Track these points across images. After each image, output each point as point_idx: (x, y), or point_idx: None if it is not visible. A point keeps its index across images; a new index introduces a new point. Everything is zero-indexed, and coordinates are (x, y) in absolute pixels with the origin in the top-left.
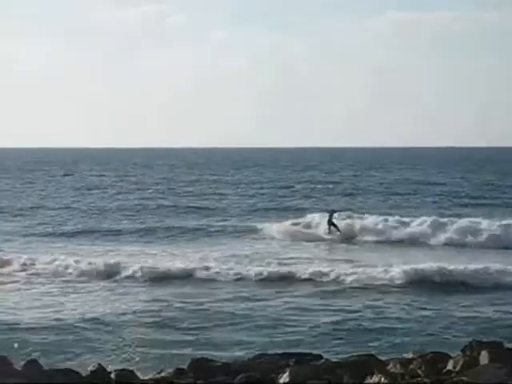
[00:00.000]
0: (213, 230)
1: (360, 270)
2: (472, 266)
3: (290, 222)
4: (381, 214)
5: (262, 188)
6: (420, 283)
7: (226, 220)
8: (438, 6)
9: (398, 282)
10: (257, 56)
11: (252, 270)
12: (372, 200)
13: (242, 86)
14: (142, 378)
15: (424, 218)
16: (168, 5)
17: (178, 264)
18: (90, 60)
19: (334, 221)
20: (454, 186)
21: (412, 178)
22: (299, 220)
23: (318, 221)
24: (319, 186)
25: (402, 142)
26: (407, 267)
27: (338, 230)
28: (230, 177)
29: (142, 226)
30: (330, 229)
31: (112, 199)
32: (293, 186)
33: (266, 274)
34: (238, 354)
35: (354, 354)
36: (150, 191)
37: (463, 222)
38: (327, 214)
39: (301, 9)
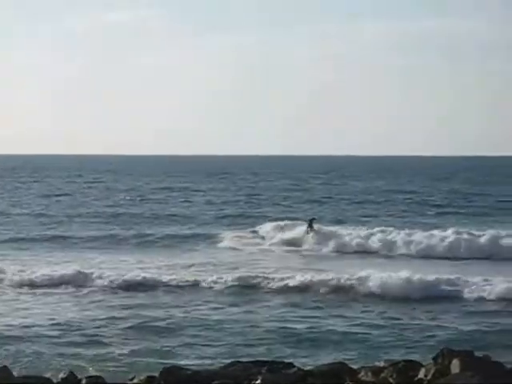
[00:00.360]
0: (180, 237)
1: (328, 278)
2: (440, 276)
3: (248, 230)
4: (347, 223)
5: (230, 195)
6: (388, 292)
7: (192, 228)
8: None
9: (367, 290)
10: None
11: (218, 279)
12: (340, 208)
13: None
14: None
15: (390, 228)
16: (153, 9)
17: (144, 272)
18: (76, 63)
19: (314, 226)
20: (423, 195)
21: (381, 186)
22: (256, 228)
23: (268, 229)
24: (288, 194)
25: (370, 151)
26: (376, 276)
27: (315, 234)
28: (200, 184)
29: (109, 234)
30: (308, 232)
31: (80, 206)
32: (261, 194)
33: (232, 282)
34: (210, 362)
35: (326, 362)
36: (119, 198)
37: (430, 232)
38: (306, 222)
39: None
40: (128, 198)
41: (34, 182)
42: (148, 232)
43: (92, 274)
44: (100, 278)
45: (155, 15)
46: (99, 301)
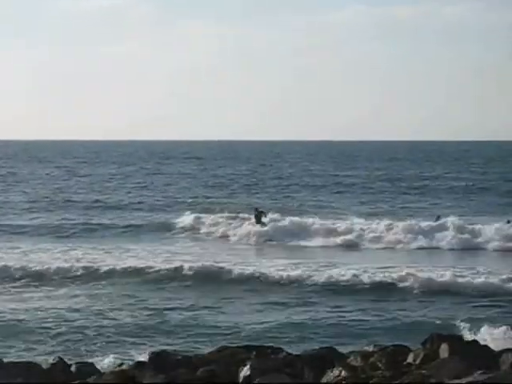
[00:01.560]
0: (136, 225)
1: (303, 268)
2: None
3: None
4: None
5: (189, 181)
6: (366, 283)
7: (149, 214)
8: None
9: (347, 282)
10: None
11: (193, 268)
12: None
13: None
14: (102, 370)
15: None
16: None
17: (114, 260)
18: (52, 52)
19: (263, 219)
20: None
21: (351, 173)
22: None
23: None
24: (251, 181)
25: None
26: (354, 268)
27: (264, 225)
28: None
29: (57, 223)
30: (259, 224)
31: (29, 193)
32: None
33: (206, 271)
34: (199, 347)
35: (315, 347)
36: (71, 185)
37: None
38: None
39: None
40: (85, 184)
41: None
42: (101, 221)
43: (60, 266)
44: (66, 269)
45: (135, 3)
46: (79, 291)
